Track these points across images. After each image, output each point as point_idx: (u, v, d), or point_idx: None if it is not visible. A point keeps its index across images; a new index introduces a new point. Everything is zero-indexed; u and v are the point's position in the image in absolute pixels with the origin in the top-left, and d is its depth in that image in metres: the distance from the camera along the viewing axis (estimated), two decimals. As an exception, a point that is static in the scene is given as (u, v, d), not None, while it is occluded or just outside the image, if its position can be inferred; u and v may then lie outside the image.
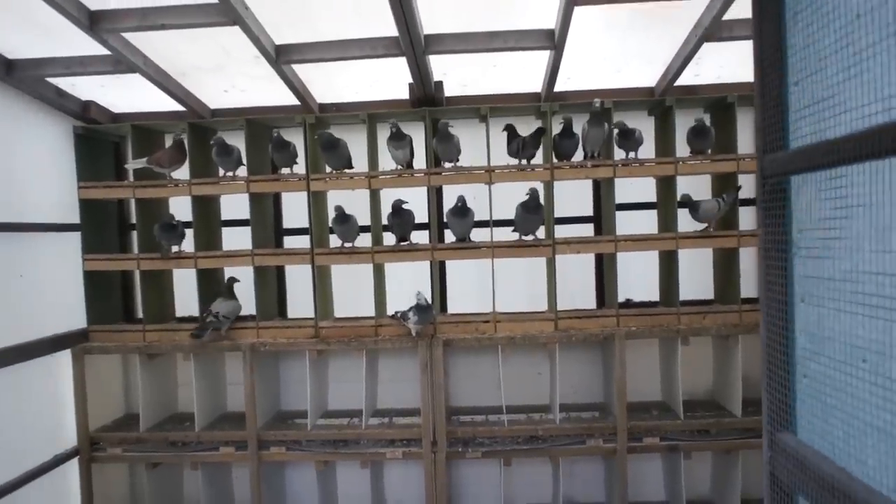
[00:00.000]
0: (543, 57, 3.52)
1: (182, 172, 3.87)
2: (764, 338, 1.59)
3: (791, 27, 1.47)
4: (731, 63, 3.68)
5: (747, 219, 4.00)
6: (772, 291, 1.53)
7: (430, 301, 3.65)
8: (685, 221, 3.76)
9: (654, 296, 4.06)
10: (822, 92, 1.35)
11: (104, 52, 3.22)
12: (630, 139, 3.68)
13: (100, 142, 4.09)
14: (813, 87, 1.39)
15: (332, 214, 3.75)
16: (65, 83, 3.71)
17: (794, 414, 1.50)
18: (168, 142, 3.98)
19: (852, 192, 1.28)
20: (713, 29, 3.12)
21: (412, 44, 3.15)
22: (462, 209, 3.68)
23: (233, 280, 3.82)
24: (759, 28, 1.54)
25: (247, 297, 3.84)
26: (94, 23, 2.97)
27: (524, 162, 3.73)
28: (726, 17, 3.05)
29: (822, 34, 1.33)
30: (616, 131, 3.68)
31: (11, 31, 3.15)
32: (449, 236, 3.93)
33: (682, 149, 3.73)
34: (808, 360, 1.45)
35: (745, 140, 3.91)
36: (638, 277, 4.09)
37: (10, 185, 3.48)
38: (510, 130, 3.73)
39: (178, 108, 3.93)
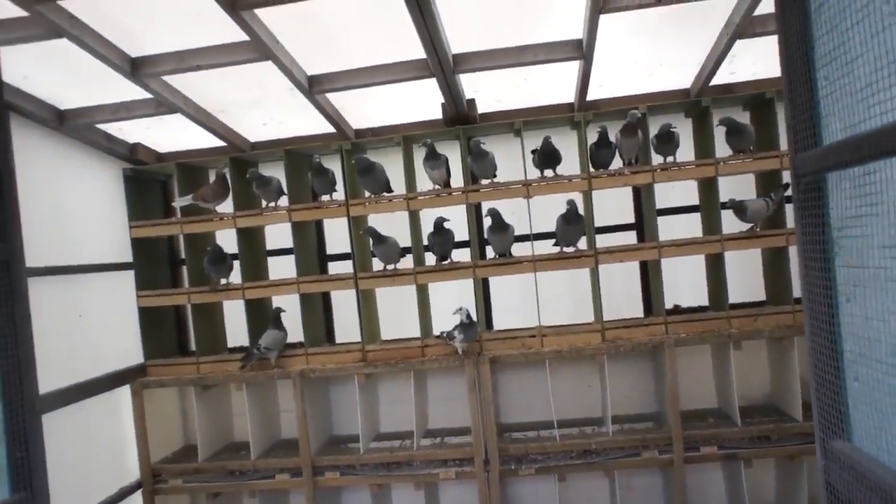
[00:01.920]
0: (573, 67, 3.51)
1: (226, 206, 3.97)
2: (809, 341, 1.53)
3: (816, 19, 1.44)
4: (766, 59, 3.59)
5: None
6: (814, 293, 1.48)
7: (472, 317, 3.64)
8: (729, 223, 3.67)
9: (703, 300, 3.97)
10: (852, 84, 1.31)
11: (147, 95, 3.35)
12: (669, 143, 3.62)
13: (148, 181, 4.24)
14: (843, 80, 1.35)
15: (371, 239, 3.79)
16: (112, 128, 3.87)
17: (847, 420, 1.44)
18: (212, 177, 4.10)
19: (889, 188, 1.23)
20: (744, 25, 3.06)
21: (441, 64, 3.18)
22: (500, 224, 3.67)
23: (279, 311, 3.89)
24: (783, 22, 1.51)
25: (294, 325, 3.90)
26: (135, 69, 3.10)
27: (550, 173, 3.71)
28: (757, 12, 2.99)
29: (848, 25, 1.29)
30: (654, 136, 3.63)
31: (61, 82, 3.31)
32: (490, 253, 3.93)
33: (722, 149, 3.65)
34: (858, 363, 1.39)
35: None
36: (685, 282, 4.01)
37: (67, 229, 3.64)
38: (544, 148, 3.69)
39: (220, 143, 4.05)
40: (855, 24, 1.25)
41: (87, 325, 3.71)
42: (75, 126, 3.59)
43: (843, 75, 1.34)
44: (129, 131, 3.96)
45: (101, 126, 3.79)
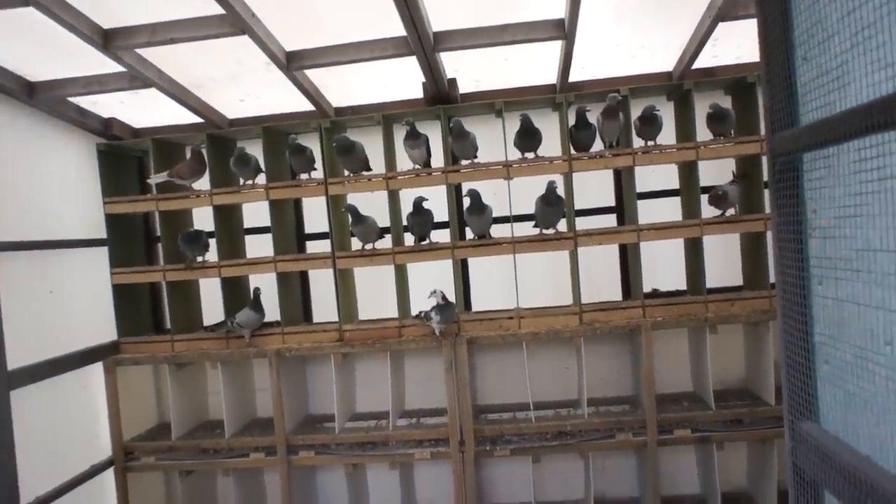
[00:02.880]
0: (555, 48, 3.47)
1: (203, 183, 3.91)
2: (781, 324, 1.53)
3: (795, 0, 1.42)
4: (749, 42, 3.57)
5: (774, 202, 3.90)
6: (787, 275, 1.47)
7: (448, 298, 3.63)
8: (709, 207, 3.67)
9: (681, 284, 3.98)
10: (828, 64, 1.29)
11: (120, 69, 3.27)
12: (652, 125, 3.61)
13: (123, 157, 4.17)
14: (820, 60, 1.34)
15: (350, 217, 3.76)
16: (86, 102, 3.79)
17: (815, 402, 1.44)
18: (188, 154, 4.03)
19: (866, 167, 1.22)
20: (727, 8, 3.04)
21: (421, 42, 3.13)
22: (478, 206, 3.65)
23: (258, 291, 3.85)
24: (761, 3, 1.48)
25: (271, 304, 3.86)
26: (107, 41, 3.02)
27: (531, 155, 3.69)
28: (740, -6, 2.98)
29: (823, 3, 1.28)
30: (636, 118, 3.62)
31: (31, 54, 3.22)
32: (470, 234, 3.90)
33: (703, 133, 3.65)
34: (828, 345, 1.39)
35: (769, 121, 3.82)
36: (663, 266, 4.02)
37: (39, 204, 3.57)
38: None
39: (197, 119, 3.98)
40: (831, 2, 1.23)
41: (59, 301, 3.66)
42: (46, 99, 3.50)
43: (818, 54, 1.33)
44: (103, 105, 3.87)
45: (73, 100, 3.71)
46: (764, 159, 3.56)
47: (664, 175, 4.01)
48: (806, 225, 1.46)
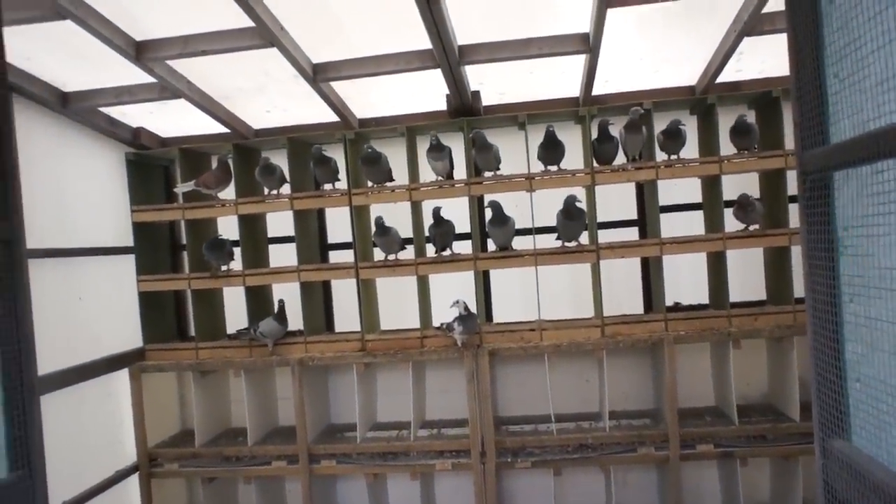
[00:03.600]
0: (579, 61, 3.49)
1: (228, 193, 3.96)
2: (812, 341, 1.53)
3: (827, 16, 1.42)
4: (774, 57, 3.58)
5: (797, 216, 3.88)
6: (818, 293, 1.47)
7: (470, 309, 3.64)
8: (732, 221, 3.66)
9: (703, 298, 3.97)
10: (864, 82, 1.30)
11: (150, 80, 3.34)
12: (676, 139, 3.61)
13: (150, 166, 4.24)
14: (854, 77, 1.34)
15: (373, 228, 3.79)
16: (115, 112, 3.86)
17: (847, 420, 1.44)
18: (214, 163, 4.09)
19: (897, 187, 1.23)
20: (753, 23, 3.05)
21: (446, 55, 3.16)
22: (500, 217, 3.66)
23: (282, 302, 3.88)
24: (792, 19, 1.49)
25: (294, 312, 3.90)
26: (139, 53, 3.08)
27: (554, 167, 3.71)
28: (766, 9, 2.98)
29: (860, 22, 1.28)
30: (660, 132, 3.62)
31: (64, 65, 3.29)
32: (492, 246, 3.92)
33: (726, 147, 3.64)
34: (860, 363, 1.39)
35: (792, 135, 3.80)
36: (685, 280, 4.01)
37: (68, 212, 3.63)
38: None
39: (223, 129, 4.04)
40: (869, 20, 1.24)
41: (86, 308, 3.71)
42: (78, 109, 3.57)
43: (854, 72, 1.33)
44: (132, 115, 3.94)
45: (103, 109, 3.78)
46: (789, 174, 3.59)
47: (686, 189, 4.00)
48: (837, 242, 1.46)
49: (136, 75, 3.30)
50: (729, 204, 3.66)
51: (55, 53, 3.16)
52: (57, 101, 3.47)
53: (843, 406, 1.44)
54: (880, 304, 1.31)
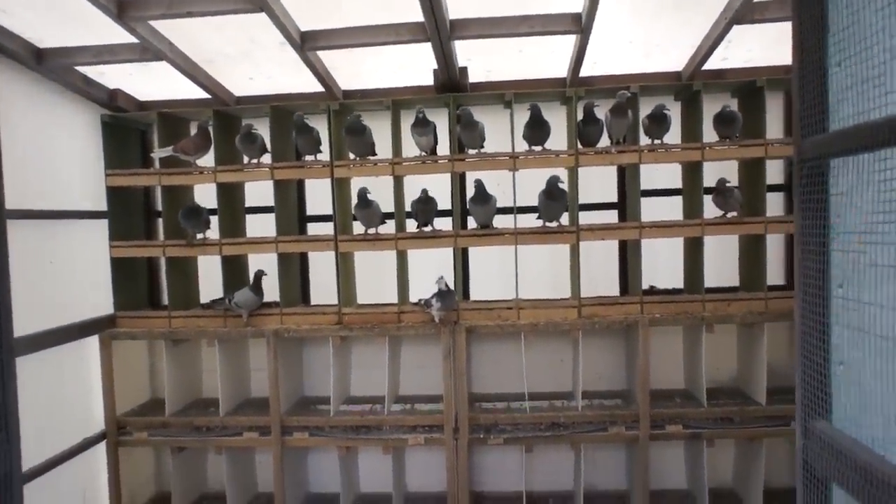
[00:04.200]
0: (569, 42, 3.49)
1: (207, 160, 3.89)
2: (799, 324, 1.57)
3: (833, 5, 1.44)
4: (760, 46, 3.62)
5: (774, 205, 3.96)
6: (808, 277, 1.51)
7: (451, 286, 3.65)
8: (711, 208, 3.72)
9: (678, 283, 4.03)
10: (867, 72, 1.32)
11: (132, 40, 3.23)
12: (661, 124, 3.64)
13: (127, 130, 4.13)
14: (857, 67, 1.36)
15: (354, 200, 3.76)
16: (92, 71, 3.74)
17: (829, 402, 1.48)
18: (193, 129, 4.00)
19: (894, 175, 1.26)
20: (744, 11, 3.07)
21: (438, 29, 3.13)
22: (482, 195, 3.66)
23: (260, 273, 3.84)
24: (799, 7, 1.51)
25: (271, 284, 3.86)
26: (122, 11, 2.97)
27: (539, 147, 3.72)
28: (757, -2, 3.01)
29: (867, 12, 1.30)
30: (645, 116, 3.65)
31: (41, 20, 3.17)
32: (472, 223, 3.92)
33: (709, 134, 3.68)
34: (846, 347, 1.43)
35: (774, 125, 3.88)
36: (662, 264, 4.06)
37: (40, 173, 3.52)
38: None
39: (204, 95, 3.94)
40: (878, 11, 1.25)
41: (58, 272, 3.62)
42: (53, 66, 3.45)
43: (857, 62, 1.35)
44: (109, 76, 3.82)
45: (80, 69, 3.66)
46: (769, 163, 3.65)
47: (666, 174, 4.05)
48: (830, 229, 1.49)
49: (117, 34, 3.18)
50: (709, 191, 3.71)
51: (33, 8, 3.04)
52: (31, 56, 3.35)
53: (826, 388, 1.48)
54: (870, 289, 1.35)
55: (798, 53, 1.51)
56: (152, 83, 3.94)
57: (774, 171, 4.01)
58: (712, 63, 3.69)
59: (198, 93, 3.90)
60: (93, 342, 3.83)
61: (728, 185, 3.65)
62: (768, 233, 3.64)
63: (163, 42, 3.28)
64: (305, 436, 3.80)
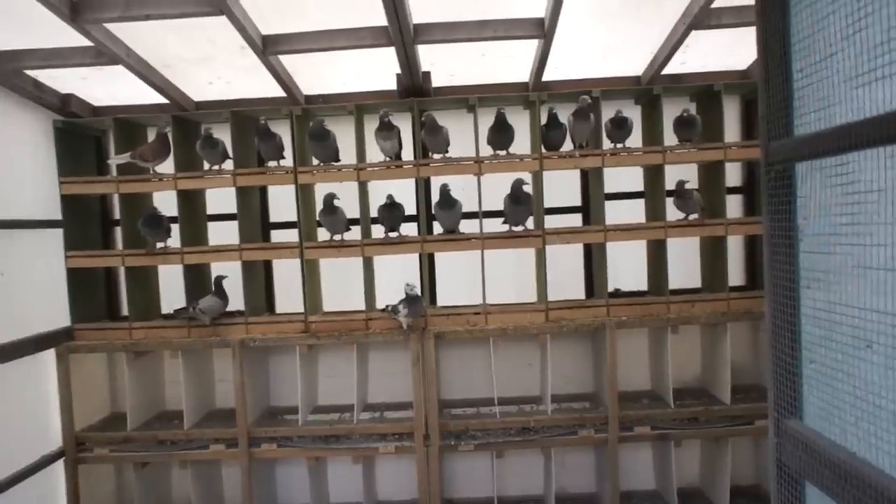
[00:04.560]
0: (531, 46, 3.51)
1: (166, 167, 3.79)
2: (770, 324, 1.59)
3: (796, 12, 1.47)
4: (717, 51, 3.69)
5: (734, 207, 4.04)
6: (778, 279, 1.53)
7: (419, 293, 3.63)
8: (673, 210, 3.77)
9: (643, 285, 4.08)
10: (831, 78, 1.35)
11: (86, 43, 3.14)
12: (622, 129, 3.68)
13: (81, 136, 4.01)
14: (820, 73, 1.39)
15: (319, 207, 3.71)
16: (43, 76, 3.61)
17: (800, 400, 1.50)
18: (151, 135, 3.90)
19: (861, 178, 1.28)
20: (701, 17, 3.12)
21: (401, 33, 3.11)
22: (447, 200, 3.65)
23: (220, 278, 3.76)
24: (762, 12, 1.53)
25: (235, 293, 3.78)
26: (75, 13, 2.88)
27: (503, 152, 3.72)
28: (715, 4, 3.05)
29: (829, 19, 1.33)
30: (608, 121, 3.68)
31: (-13, 23, 3.06)
32: (438, 228, 3.90)
33: (669, 138, 3.74)
34: (816, 345, 1.45)
35: (731, 128, 3.96)
36: (626, 267, 4.11)
37: (-11, 181, 3.40)
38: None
39: (162, 100, 3.85)
40: (833, 17, 1.28)
41: (9, 284, 3.49)
42: (1, 70, 3.33)
43: (820, 68, 1.38)
44: (62, 80, 3.70)
45: (30, 73, 3.54)
46: (728, 166, 3.72)
47: (629, 177, 4.09)
48: (797, 231, 1.51)
49: (70, 37, 3.08)
50: (671, 193, 3.76)
51: (-25, 7, 2.93)
52: (-22, 61, 3.23)
53: (797, 387, 1.51)
54: (836, 287, 1.37)
55: (763, 58, 1.54)
56: (107, 88, 3.83)
57: (733, 174, 4.09)
58: (671, 67, 3.75)
59: (155, 98, 3.80)
60: (50, 356, 3.70)
61: (687, 186, 3.71)
62: (729, 234, 3.70)
63: (119, 46, 3.19)
64: (273, 447, 3.73)
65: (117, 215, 3.97)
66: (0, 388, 3.39)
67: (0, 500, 3.28)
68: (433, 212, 3.82)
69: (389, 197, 3.68)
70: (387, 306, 3.71)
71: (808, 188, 1.45)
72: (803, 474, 1.43)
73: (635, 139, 3.89)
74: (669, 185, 3.76)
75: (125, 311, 3.98)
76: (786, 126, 1.49)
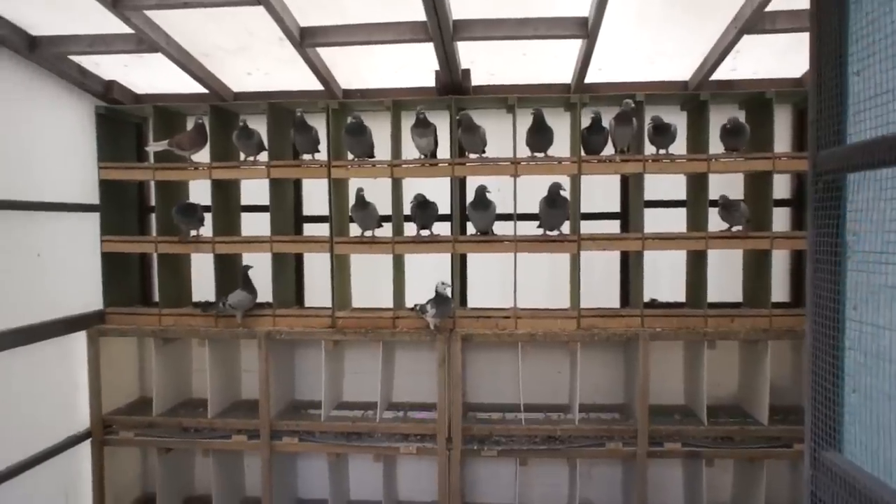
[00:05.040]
0: (575, 46, 3.41)
1: (203, 156, 3.81)
2: (809, 346, 1.48)
3: (854, 13, 1.36)
4: (769, 57, 3.54)
5: (781, 220, 3.88)
6: (821, 297, 1.42)
7: (449, 293, 3.56)
8: (716, 221, 3.63)
9: (680, 296, 3.94)
10: (890, 83, 1.23)
11: (127, 30, 3.15)
12: (665, 135, 3.55)
13: (122, 123, 4.06)
14: (878, 77, 1.28)
15: (352, 201, 3.67)
16: (88, 62, 3.66)
17: (840, 431, 1.39)
18: (190, 124, 3.92)
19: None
20: (754, 20, 2.99)
21: (440, 29, 3.05)
22: (482, 201, 3.58)
23: (246, 268, 3.75)
24: (817, 14, 1.42)
25: (264, 284, 3.78)
26: (117, 0, 2.90)
27: (541, 155, 3.63)
28: (769, 7, 2.92)
29: (891, 17, 1.21)
30: (650, 126, 3.56)
31: (35, 7, 3.10)
32: (472, 229, 3.83)
33: (715, 146, 3.59)
34: (860, 373, 1.34)
35: (782, 139, 3.79)
36: (664, 277, 3.97)
37: (30, 164, 3.45)
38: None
39: (201, 90, 3.87)
40: (891, 13, 1.17)
41: (45, 265, 3.54)
42: (46, 55, 3.37)
43: (879, 72, 1.27)
44: (105, 67, 3.75)
45: (75, 59, 3.58)
46: (776, 178, 3.56)
47: (671, 185, 3.96)
48: (845, 247, 1.40)
49: (112, 24, 3.10)
50: (714, 203, 3.62)
51: (24, -7, 2.97)
52: (24, 44, 3.27)
53: (837, 416, 1.39)
54: (888, 312, 1.26)
55: (815, 60, 1.43)
56: (149, 76, 3.86)
57: (781, 186, 3.93)
58: (720, 73, 3.61)
59: (194, 87, 3.82)
60: (81, 338, 3.75)
61: (730, 199, 3.56)
62: (774, 248, 3.55)
63: (158, 33, 3.20)
64: (295, 441, 3.71)
65: (153, 202, 4.00)
66: (32, 367, 3.44)
67: (27, 477, 3.33)
68: (467, 212, 3.75)
69: (418, 196, 3.61)
70: (415, 305, 3.66)
71: (859, 201, 1.34)
72: (840, 512, 1.32)
73: (679, 146, 3.75)
74: (714, 194, 3.62)
75: (157, 297, 4.00)
76: (837, 134, 1.38)
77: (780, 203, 3.85)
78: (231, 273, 3.88)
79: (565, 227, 3.67)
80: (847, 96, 1.39)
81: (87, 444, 3.78)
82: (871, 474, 1.27)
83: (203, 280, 4.01)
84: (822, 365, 1.42)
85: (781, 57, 3.52)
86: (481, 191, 3.57)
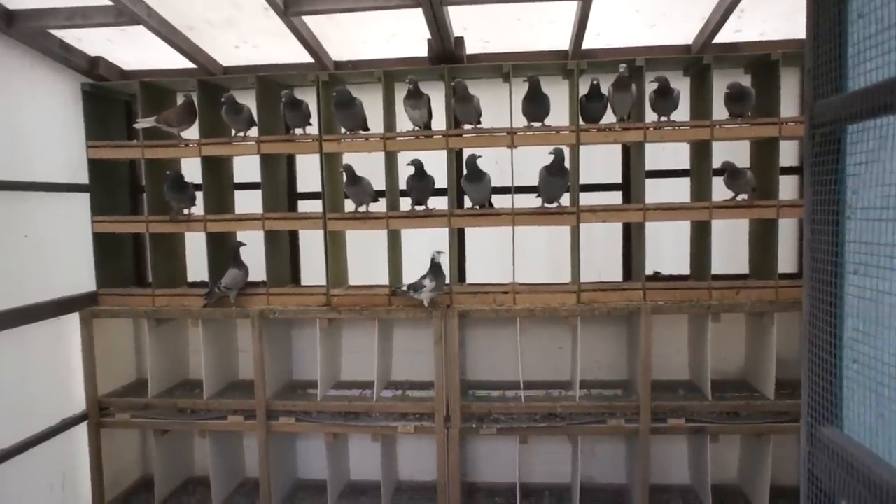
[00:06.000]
0: (570, 10, 3.27)
1: (192, 132, 3.72)
2: (806, 315, 1.37)
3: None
4: (776, 17, 3.38)
5: (787, 188, 3.74)
6: (818, 261, 1.31)
7: (445, 260, 3.47)
8: (720, 190, 3.50)
9: (684, 269, 3.82)
10: (893, 17, 1.11)
11: (106, 2, 3.06)
12: (668, 99, 3.42)
13: (110, 100, 3.97)
14: (882, 13, 1.15)
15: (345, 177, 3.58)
16: (70, 37, 3.57)
17: (839, 405, 1.29)
18: (180, 101, 3.82)
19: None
20: (759, -23, 2.84)
21: (429, -7, 2.93)
22: (475, 172, 3.46)
23: (239, 245, 3.68)
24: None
25: (258, 263, 3.70)
26: (93, -31, 2.80)
27: (538, 124, 3.51)
28: (773, -37, 2.77)
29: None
30: (652, 91, 3.42)
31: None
32: (468, 203, 3.72)
33: (719, 112, 3.46)
34: (861, 342, 1.24)
35: (789, 103, 3.64)
36: (667, 249, 3.86)
37: (16, 143, 3.37)
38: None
39: (189, 65, 3.77)
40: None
41: (34, 246, 3.48)
42: (25, 30, 3.28)
43: (879, 5, 1.15)
44: (89, 42, 3.65)
45: (57, 34, 3.49)
46: (783, 144, 3.42)
47: (673, 154, 3.83)
48: (843, 206, 1.29)
49: (91, -5, 3.02)
50: (718, 172, 3.49)
51: (-1, -35, 2.88)
52: (1, 19, 3.18)
53: (836, 389, 1.29)
54: (891, 275, 1.15)
55: (813, 4, 1.31)
56: (136, 52, 3.77)
57: (788, 153, 3.78)
58: (724, 36, 3.46)
59: (182, 62, 3.73)
60: (74, 320, 3.70)
61: (736, 168, 3.43)
62: (781, 217, 3.42)
63: (139, 5, 3.09)
64: (292, 421, 3.66)
65: (144, 181, 3.92)
66: (25, 349, 3.40)
67: (23, 459, 3.30)
68: (462, 186, 3.65)
69: (415, 162, 3.49)
70: (407, 286, 3.55)
71: (859, 154, 1.23)
72: (838, 491, 1.22)
73: (682, 113, 3.62)
74: (717, 163, 3.48)
75: (150, 277, 3.94)
76: (836, 81, 1.26)
77: (787, 171, 3.71)
78: (224, 250, 3.80)
79: (565, 199, 3.56)
80: (847, 41, 1.27)
81: (83, 427, 3.74)
82: (871, 451, 1.17)
83: (197, 259, 3.95)
84: (819, 335, 1.32)
85: (789, 17, 3.36)
86: (472, 160, 3.45)
